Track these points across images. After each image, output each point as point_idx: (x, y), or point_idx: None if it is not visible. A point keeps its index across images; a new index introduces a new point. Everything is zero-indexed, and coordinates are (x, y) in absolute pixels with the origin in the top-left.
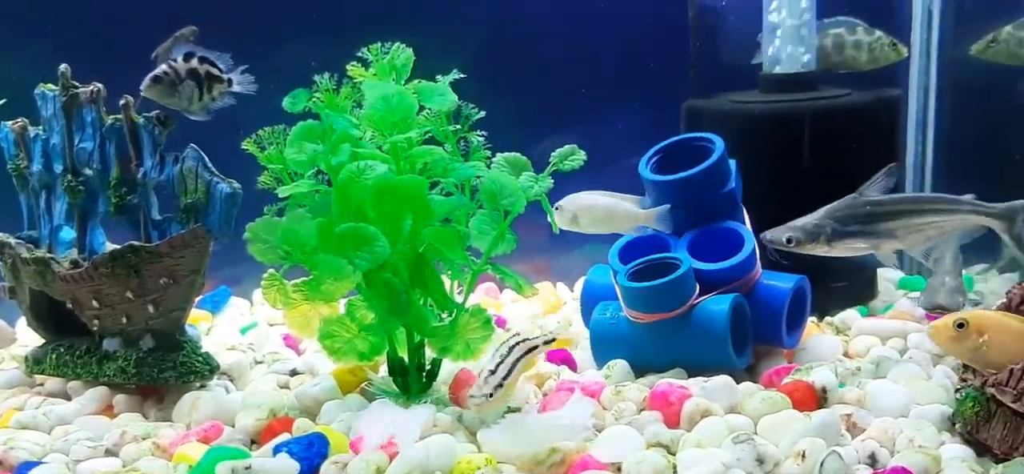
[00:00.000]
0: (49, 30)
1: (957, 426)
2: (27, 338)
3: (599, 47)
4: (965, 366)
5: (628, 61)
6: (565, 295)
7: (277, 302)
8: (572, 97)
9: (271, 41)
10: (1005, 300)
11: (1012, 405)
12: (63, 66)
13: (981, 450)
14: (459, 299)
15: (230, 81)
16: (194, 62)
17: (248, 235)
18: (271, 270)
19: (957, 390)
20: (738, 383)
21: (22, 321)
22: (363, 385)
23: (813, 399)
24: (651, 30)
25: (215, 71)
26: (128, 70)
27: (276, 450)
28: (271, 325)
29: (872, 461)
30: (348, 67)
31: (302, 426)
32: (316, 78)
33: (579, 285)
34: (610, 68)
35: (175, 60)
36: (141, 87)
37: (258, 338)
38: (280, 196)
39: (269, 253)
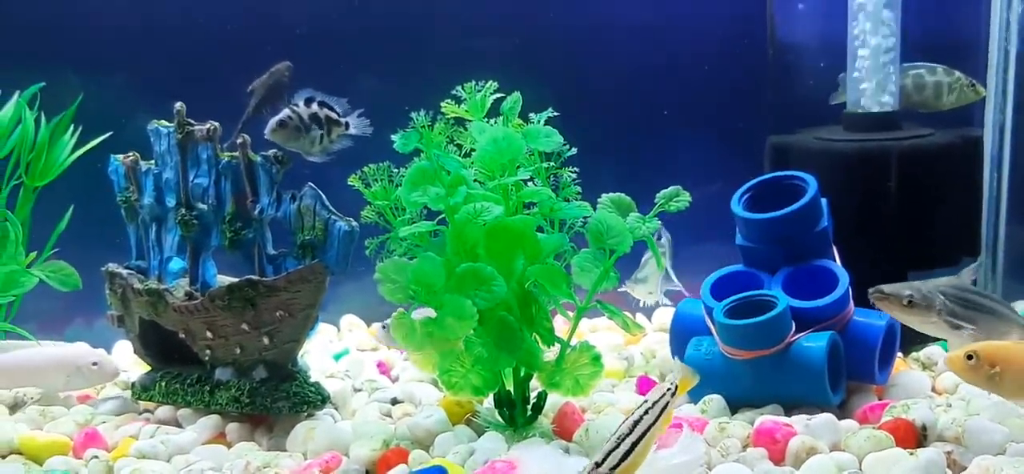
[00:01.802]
0: (139, 64)
1: None
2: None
3: (676, 82)
4: None
5: (706, 96)
6: (645, 325)
7: (404, 340)
8: (650, 132)
9: (352, 77)
10: None
11: None
12: (179, 104)
13: None
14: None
15: (347, 124)
16: (315, 107)
17: (379, 275)
18: (400, 309)
19: None
20: (838, 420)
21: (115, 349)
22: (469, 416)
23: (914, 437)
24: (729, 66)
25: (334, 115)
26: (217, 103)
27: None
28: (362, 351)
29: None
30: (443, 104)
31: (419, 458)
32: (413, 116)
33: (658, 316)
34: (687, 103)
35: (297, 105)
36: (266, 131)
37: (352, 365)
38: (400, 233)
39: (398, 292)
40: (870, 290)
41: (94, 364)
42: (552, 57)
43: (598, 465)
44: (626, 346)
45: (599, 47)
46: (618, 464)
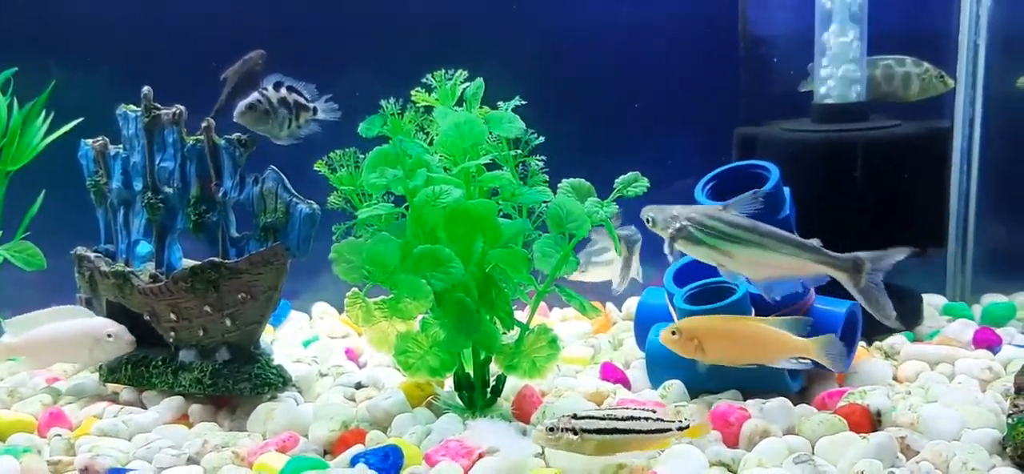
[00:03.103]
0: (118, 53)
1: (1008, 450)
2: None
3: (650, 73)
4: (1017, 391)
5: (679, 87)
6: (615, 315)
7: (359, 319)
8: (623, 122)
9: (330, 66)
10: None
11: None
12: (146, 89)
13: None
14: (521, 318)
15: (315, 109)
16: (284, 91)
17: (333, 255)
18: (354, 288)
19: (1009, 415)
20: (794, 405)
21: None
22: (429, 399)
23: (868, 422)
24: (701, 57)
25: (302, 100)
26: (190, 91)
27: (353, 461)
28: (332, 338)
29: None
30: (412, 92)
31: (375, 438)
32: (383, 103)
33: (628, 305)
34: (661, 94)
35: (266, 89)
36: (235, 114)
37: (321, 351)
38: (359, 217)
39: (353, 273)
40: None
41: (109, 335)
42: (526, 51)
43: (574, 417)
44: (594, 334)
45: (572, 41)
46: (589, 429)
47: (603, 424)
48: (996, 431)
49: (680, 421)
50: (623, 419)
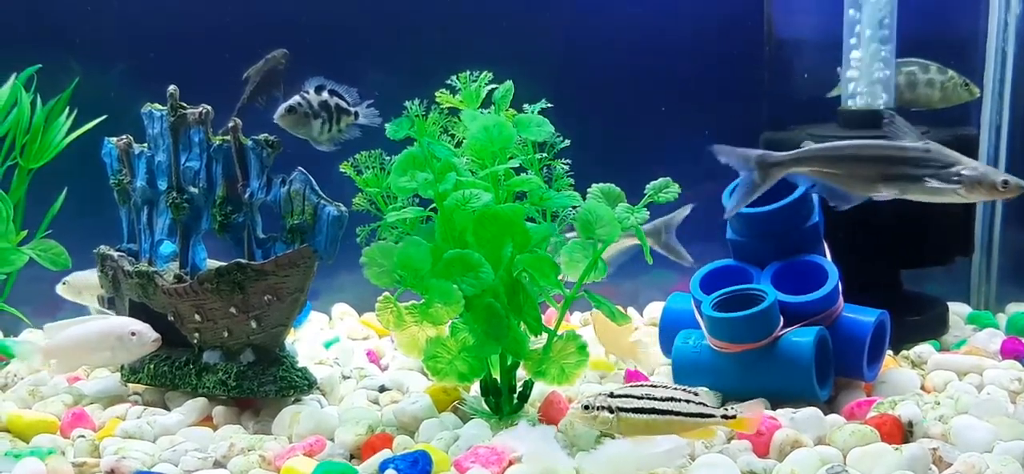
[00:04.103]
0: (141, 51)
1: None
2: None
3: (675, 77)
4: None
5: (705, 91)
6: (636, 319)
7: (390, 323)
8: (648, 126)
9: (351, 66)
10: None
11: None
12: (172, 87)
13: None
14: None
15: (356, 114)
16: (325, 95)
17: (365, 259)
18: (385, 292)
19: None
20: (825, 414)
21: None
22: (456, 404)
23: (900, 433)
24: (728, 61)
25: (343, 104)
26: (211, 89)
27: (382, 466)
28: (352, 340)
29: None
30: (437, 94)
31: (403, 443)
32: (407, 105)
33: (648, 309)
34: (686, 97)
35: (307, 92)
36: (275, 116)
37: (342, 353)
38: (386, 220)
39: (384, 277)
40: None
41: (133, 334)
42: (550, 53)
43: (611, 396)
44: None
45: (597, 43)
46: (626, 408)
47: (642, 404)
48: None
49: (726, 409)
50: (662, 400)
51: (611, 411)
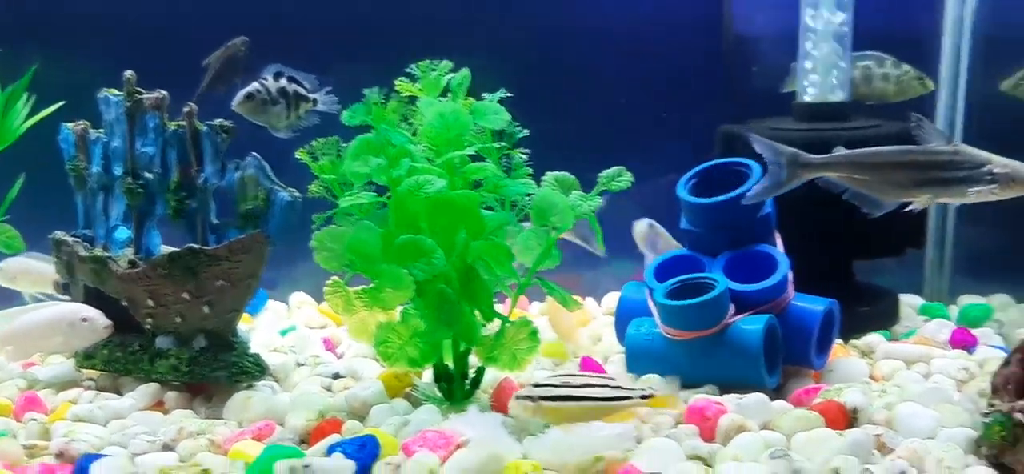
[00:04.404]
0: (100, 37)
1: (983, 449)
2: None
3: (636, 70)
4: (993, 391)
5: (665, 84)
6: (594, 310)
7: (340, 308)
8: (609, 118)
9: (312, 54)
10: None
11: None
12: (128, 73)
13: (1005, 473)
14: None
15: (315, 101)
16: (284, 81)
17: (315, 243)
18: (334, 277)
19: (984, 414)
20: (771, 401)
21: None
22: (408, 390)
23: (844, 419)
24: (688, 55)
25: (302, 91)
26: (172, 76)
27: (330, 450)
28: (309, 328)
29: None
30: (397, 82)
31: (352, 428)
32: (366, 92)
33: (607, 300)
34: (647, 90)
35: (266, 79)
36: (233, 103)
37: (298, 341)
38: (340, 206)
39: (333, 261)
40: None
41: (84, 320)
42: (512, 46)
43: (535, 386)
44: (575, 328)
45: (560, 36)
46: (545, 396)
47: (559, 392)
48: (971, 430)
49: (643, 390)
50: (578, 387)
51: (533, 400)
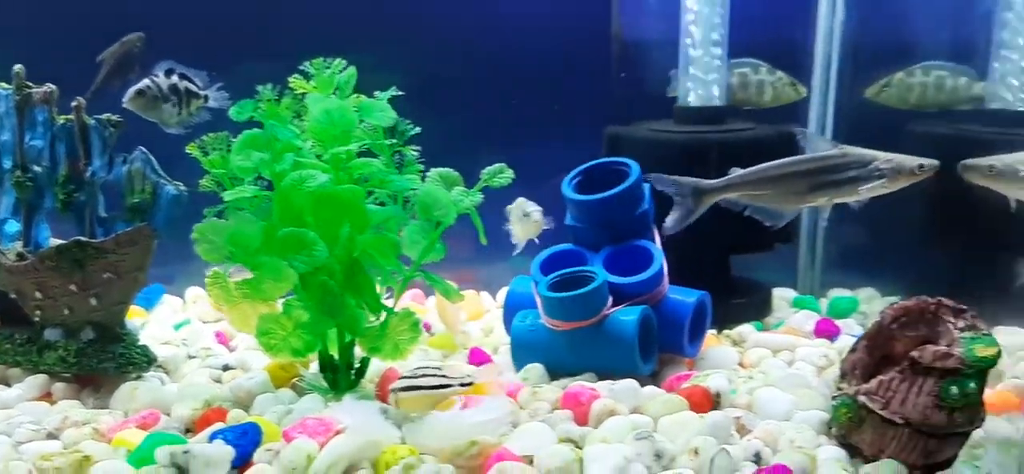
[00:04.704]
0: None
1: (833, 430)
2: None
3: (530, 74)
4: (842, 375)
5: (556, 88)
6: (489, 304)
7: (219, 299)
8: (503, 120)
9: (214, 52)
10: (877, 318)
11: (880, 412)
12: (18, 66)
13: (853, 452)
14: (389, 303)
15: (206, 97)
16: (175, 78)
17: (195, 235)
18: (215, 268)
19: (833, 397)
20: (643, 386)
21: None
22: (295, 380)
23: (708, 402)
24: (580, 59)
25: (194, 87)
26: (71, 71)
27: (212, 437)
28: (204, 323)
29: (757, 459)
30: (290, 79)
31: (236, 416)
32: (259, 89)
33: (501, 294)
34: (540, 93)
35: (157, 75)
36: (124, 99)
37: (192, 334)
38: (224, 199)
39: (214, 253)
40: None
41: None
42: (408, 47)
43: (403, 377)
44: (468, 321)
45: (454, 37)
46: (397, 387)
47: (406, 383)
48: (824, 413)
49: (464, 378)
50: (413, 377)
51: (392, 392)
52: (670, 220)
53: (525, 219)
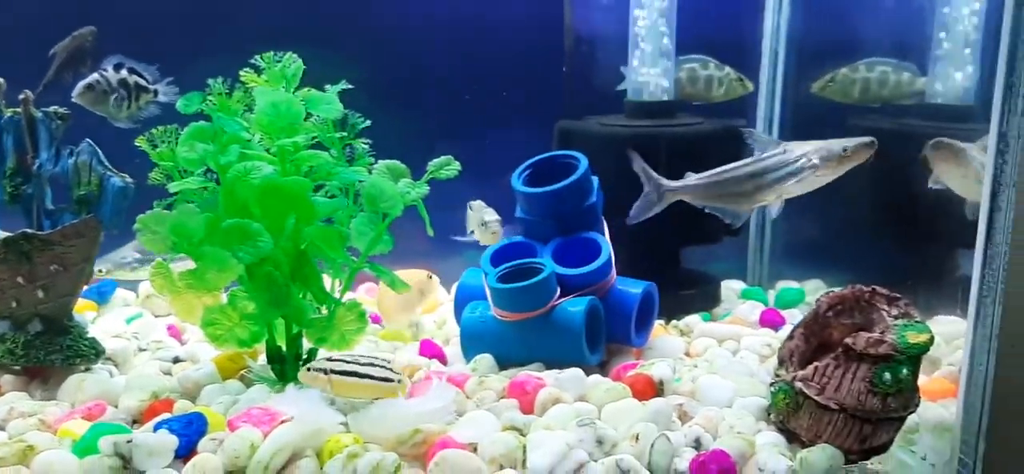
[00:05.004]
0: None
1: (771, 416)
2: None
3: (480, 68)
4: (780, 363)
5: (508, 82)
6: (442, 296)
7: (163, 289)
8: (455, 113)
9: (165, 47)
10: (814, 306)
11: (816, 398)
12: None
13: (791, 437)
14: (339, 295)
15: (156, 91)
16: (124, 72)
17: (138, 225)
18: (159, 259)
19: (771, 384)
20: (588, 375)
21: None
22: (242, 372)
23: (652, 390)
24: (533, 54)
25: (143, 82)
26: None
27: (157, 427)
28: (156, 316)
29: (697, 445)
30: (241, 73)
31: (183, 407)
32: (209, 82)
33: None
34: (490, 88)
35: (106, 70)
36: (73, 94)
37: (143, 328)
38: (170, 191)
39: (157, 243)
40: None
41: None
42: (363, 40)
43: (329, 359)
44: (422, 314)
45: (408, 31)
46: (336, 370)
47: (348, 367)
48: (764, 400)
49: (399, 375)
50: (363, 365)
51: (326, 373)
52: (637, 206)
53: (483, 228)
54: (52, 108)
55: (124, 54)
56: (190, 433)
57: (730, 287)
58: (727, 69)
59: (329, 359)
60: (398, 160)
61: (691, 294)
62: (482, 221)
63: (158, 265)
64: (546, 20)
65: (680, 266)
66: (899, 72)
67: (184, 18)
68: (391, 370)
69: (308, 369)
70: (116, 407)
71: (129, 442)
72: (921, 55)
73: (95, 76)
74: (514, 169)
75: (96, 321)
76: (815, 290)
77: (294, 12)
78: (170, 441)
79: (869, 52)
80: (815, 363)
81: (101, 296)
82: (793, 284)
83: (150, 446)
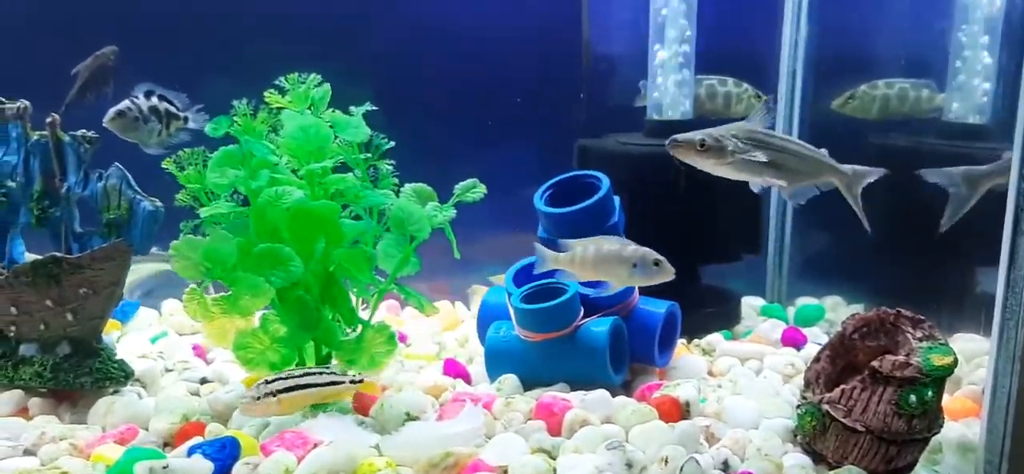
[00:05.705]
0: None
1: (798, 438)
2: None
3: (502, 86)
4: (806, 384)
5: (529, 101)
6: (463, 314)
7: (197, 314)
8: (475, 133)
9: (187, 67)
10: (839, 329)
11: (843, 420)
12: None
13: (817, 459)
14: (365, 316)
15: (186, 118)
16: (155, 100)
17: (172, 252)
18: (191, 285)
19: (798, 406)
20: (614, 396)
21: None
22: None
23: (678, 412)
24: (551, 72)
25: (173, 109)
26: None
27: (190, 451)
28: (180, 335)
29: (725, 467)
30: (266, 94)
31: (214, 430)
32: (234, 104)
33: (476, 305)
34: (512, 106)
35: (137, 97)
36: (104, 119)
37: (168, 347)
38: (200, 215)
39: (191, 269)
40: (667, 141)
41: None
42: (385, 61)
43: (266, 382)
44: (442, 332)
45: (430, 50)
46: (279, 389)
47: (288, 383)
48: (790, 421)
49: (354, 376)
50: (301, 376)
51: (273, 395)
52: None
53: None
54: (80, 132)
55: (138, 70)
56: (224, 457)
57: (749, 304)
58: (745, 85)
59: (267, 381)
60: (419, 179)
61: (712, 312)
62: None
63: (192, 291)
64: (564, 38)
65: (700, 284)
66: (918, 89)
67: (200, 37)
68: (334, 373)
69: (256, 399)
70: (147, 430)
71: (165, 468)
72: (938, 73)
73: (126, 103)
74: (533, 186)
75: (120, 340)
76: (834, 306)
77: (315, 32)
78: (206, 466)
79: (884, 69)
80: (842, 386)
81: (124, 315)
82: (812, 301)
83: (186, 471)
